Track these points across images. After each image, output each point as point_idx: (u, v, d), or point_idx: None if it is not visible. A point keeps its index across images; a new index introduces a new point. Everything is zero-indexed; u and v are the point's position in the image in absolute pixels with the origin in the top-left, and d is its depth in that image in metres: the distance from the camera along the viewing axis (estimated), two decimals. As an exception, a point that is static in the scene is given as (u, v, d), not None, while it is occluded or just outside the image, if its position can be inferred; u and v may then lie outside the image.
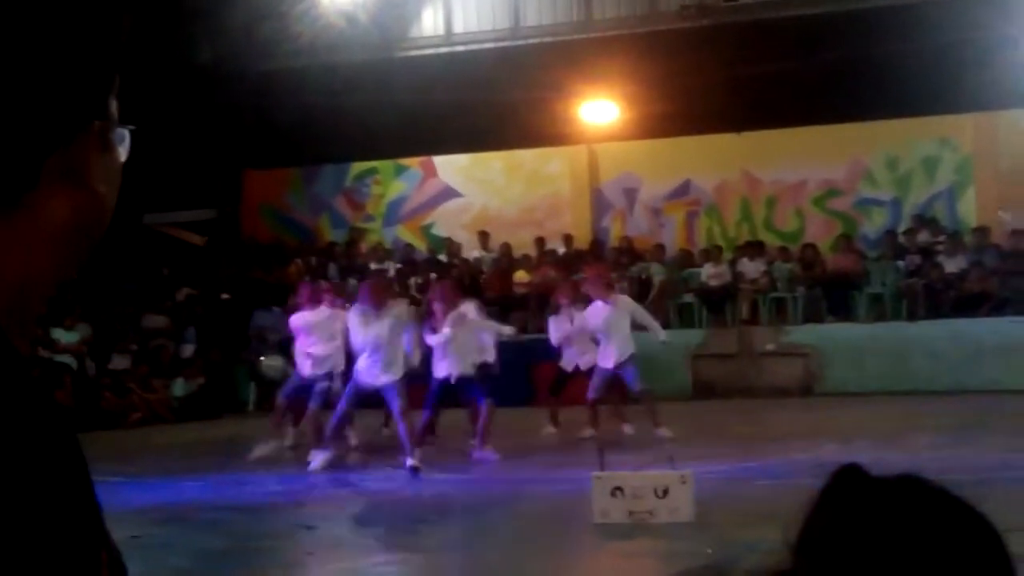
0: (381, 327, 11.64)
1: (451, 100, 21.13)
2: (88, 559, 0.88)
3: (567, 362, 14.07)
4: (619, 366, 13.20)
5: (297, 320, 13.06)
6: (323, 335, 12.75)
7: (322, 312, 12.86)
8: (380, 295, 11.93)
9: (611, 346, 13.26)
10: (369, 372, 11.71)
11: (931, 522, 1.14)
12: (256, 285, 21.04)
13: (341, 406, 12.05)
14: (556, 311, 14.33)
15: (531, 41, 21.99)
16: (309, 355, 12.76)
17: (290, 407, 13.25)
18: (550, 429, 14.16)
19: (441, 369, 12.35)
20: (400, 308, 12.20)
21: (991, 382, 16.86)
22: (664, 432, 12.90)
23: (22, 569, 0.83)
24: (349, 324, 11.96)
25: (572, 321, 13.88)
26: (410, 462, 11.49)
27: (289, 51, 21.92)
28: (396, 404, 11.69)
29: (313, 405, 12.67)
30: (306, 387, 12.85)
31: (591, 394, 13.44)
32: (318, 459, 12.12)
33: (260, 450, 12.91)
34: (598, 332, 13.48)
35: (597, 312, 13.40)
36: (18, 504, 0.84)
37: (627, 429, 13.71)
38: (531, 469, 11.87)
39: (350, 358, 12.35)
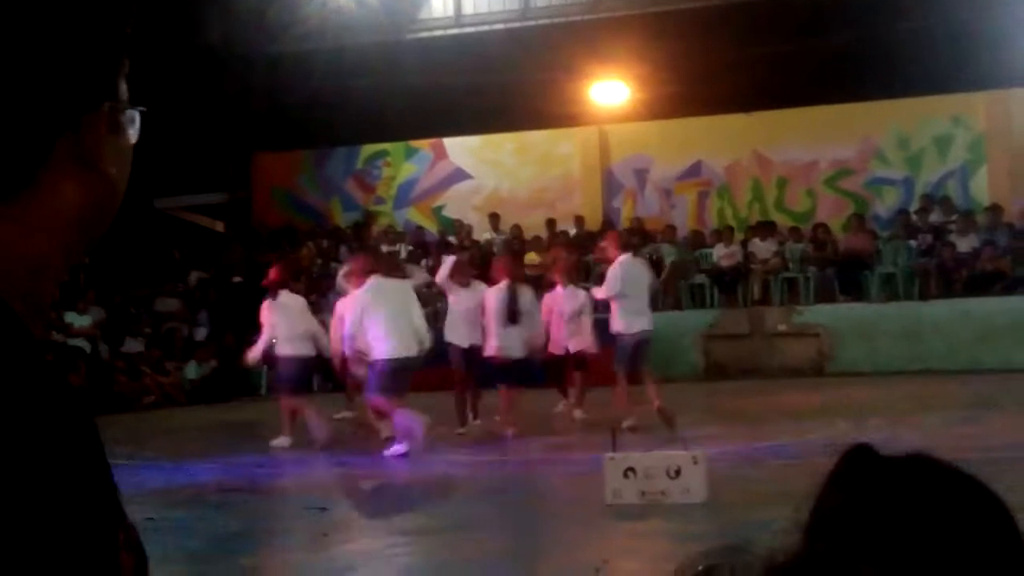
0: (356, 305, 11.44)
1: (461, 82, 21.09)
2: (105, 538, 0.89)
3: (555, 344, 13.51)
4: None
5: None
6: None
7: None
8: (354, 275, 11.78)
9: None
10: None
11: (942, 501, 1.13)
12: (268, 268, 21.04)
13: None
14: (551, 288, 14.06)
15: (541, 22, 21.92)
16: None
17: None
18: (578, 413, 13.56)
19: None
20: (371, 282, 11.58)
21: (1003, 361, 16.82)
22: (573, 412, 13.38)
23: (41, 548, 0.84)
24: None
25: (559, 298, 13.56)
26: (397, 449, 11.22)
27: (298, 34, 21.88)
28: (371, 386, 11.28)
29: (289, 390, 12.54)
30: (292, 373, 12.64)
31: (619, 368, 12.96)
32: (321, 430, 12.18)
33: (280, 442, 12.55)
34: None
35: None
36: (37, 484, 0.85)
37: (577, 414, 13.52)
38: (543, 450, 11.89)
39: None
